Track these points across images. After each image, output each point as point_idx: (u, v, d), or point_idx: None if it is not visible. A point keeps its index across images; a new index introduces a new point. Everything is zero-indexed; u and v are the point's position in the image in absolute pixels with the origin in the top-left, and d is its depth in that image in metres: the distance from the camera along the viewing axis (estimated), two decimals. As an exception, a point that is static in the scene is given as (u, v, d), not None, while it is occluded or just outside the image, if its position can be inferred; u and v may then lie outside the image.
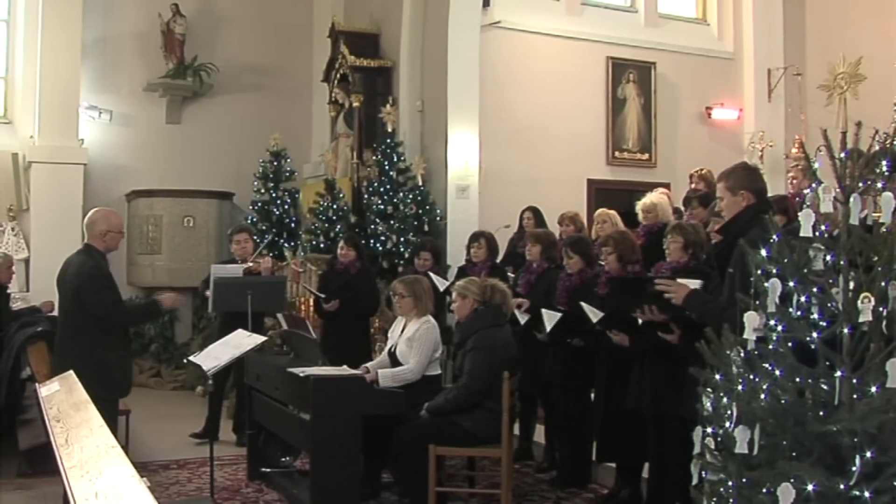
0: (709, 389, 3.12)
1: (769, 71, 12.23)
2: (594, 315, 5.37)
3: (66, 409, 3.22)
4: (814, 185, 3.01)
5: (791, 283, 2.95)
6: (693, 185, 8.27)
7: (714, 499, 3.04)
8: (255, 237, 8.29)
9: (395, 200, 9.86)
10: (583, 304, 5.49)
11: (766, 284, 3.00)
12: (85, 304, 5.29)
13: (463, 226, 9.27)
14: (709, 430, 3.11)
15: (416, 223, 9.60)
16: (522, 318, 6.15)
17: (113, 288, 5.43)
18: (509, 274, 7.30)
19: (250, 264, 7.59)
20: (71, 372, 4.13)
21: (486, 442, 5.35)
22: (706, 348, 3.14)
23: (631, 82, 11.93)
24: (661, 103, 12.05)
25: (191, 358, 5.92)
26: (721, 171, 4.28)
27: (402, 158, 10.16)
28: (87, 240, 5.47)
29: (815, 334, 2.88)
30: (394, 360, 6.03)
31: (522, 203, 8.77)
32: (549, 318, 5.84)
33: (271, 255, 9.32)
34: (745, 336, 3.03)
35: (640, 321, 4.86)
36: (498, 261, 7.60)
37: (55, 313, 6.26)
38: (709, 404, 3.12)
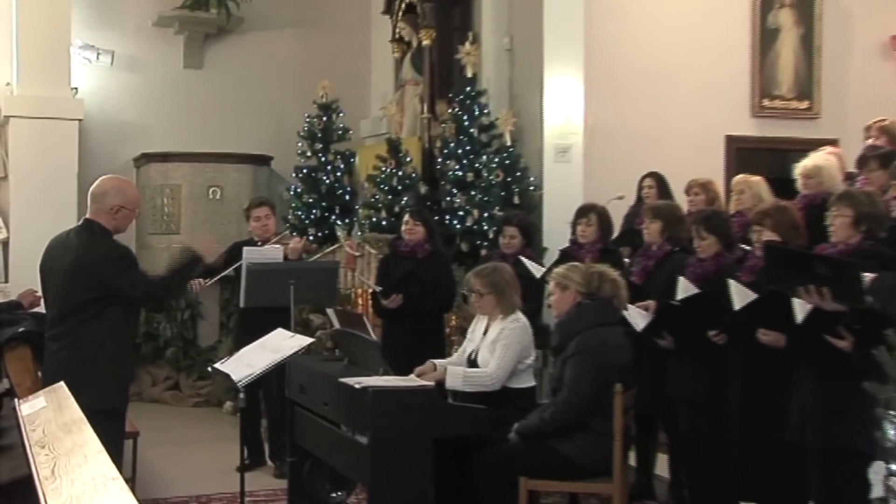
0: (892, 413, 3.07)
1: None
2: (740, 298, 5.31)
3: (54, 430, 3.27)
4: None
5: None
6: (871, 141, 8.13)
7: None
8: (300, 214, 8.34)
9: (476, 165, 9.90)
10: (731, 281, 5.43)
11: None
12: (108, 295, 5.43)
13: (563, 197, 9.29)
14: (893, 466, 3.07)
15: (503, 194, 9.63)
16: (641, 321, 6.14)
17: (135, 264, 5.62)
18: (625, 259, 7.30)
19: (275, 247, 7.70)
20: (61, 384, 4.23)
21: (592, 474, 5.38)
22: (887, 357, 3.09)
23: (786, 6, 11.73)
24: (827, 33, 11.81)
25: (217, 365, 6.02)
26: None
27: (486, 112, 10.19)
28: (91, 214, 5.58)
29: None
30: (473, 367, 6.08)
31: (641, 168, 8.74)
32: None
33: (307, 237, 9.40)
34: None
35: (798, 318, 4.81)
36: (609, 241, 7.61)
37: (41, 308, 6.24)
38: (893, 433, 3.07)
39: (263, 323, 6.43)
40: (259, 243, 7.82)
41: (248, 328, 6.83)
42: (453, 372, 5.82)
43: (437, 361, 6.23)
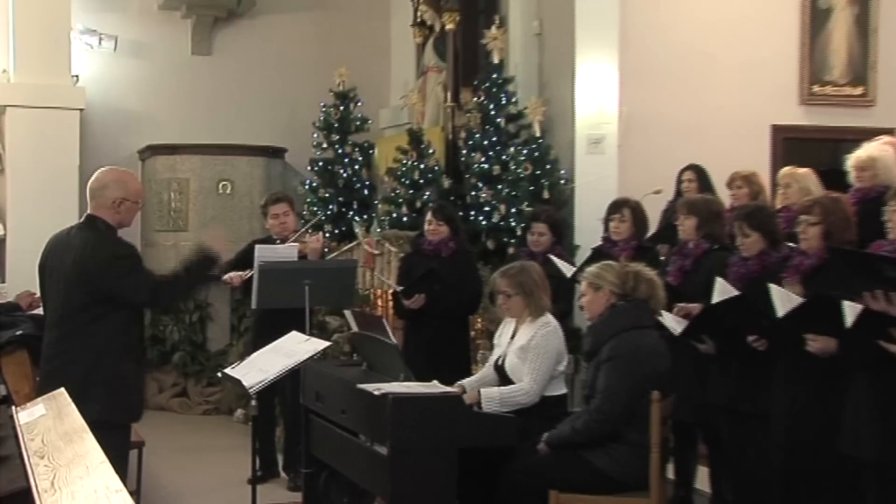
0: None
1: None
2: (783, 304, 5.30)
3: (54, 440, 3.29)
4: None
5: None
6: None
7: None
8: (315, 210, 8.35)
9: (503, 157, 9.92)
10: (772, 286, 5.42)
11: None
12: (111, 298, 5.42)
13: (596, 191, 9.29)
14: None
15: (531, 188, 9.64)
16: (678, 325, 6.13)
17: (140, 265, 5.62)
18: (661, 257, 7.30)
19: (293, 244, 7.73)
20: (61, 390, 4.26)
21: (627, 488, 5.37)
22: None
23: (839, -16, 11.68)
24: (884, 13, 11.73)
25: (227, 371, 6.06)
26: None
27: (514, 100, 10.20)
28: (93, 210, 5.60)
29: None
30: (502, 377, 6.10)
31: (680, 160, 8.73)
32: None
33: (324, 233, 9.43)
34: None
35: (848, 322, 4.79)
36: (645, 238, 7.60)
37: (41, 310, 6.24)
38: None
39: (281, 325, 6.46)
40: (278, 242, 7.85)
41: (265, 331, 6.85)
42: (488, 395, 5.84)
43: (466, 382, 6.26)
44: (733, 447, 6.14)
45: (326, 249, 8.54)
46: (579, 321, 7.92)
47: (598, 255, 7.14)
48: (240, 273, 7.61)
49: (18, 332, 6.94)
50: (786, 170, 7.42)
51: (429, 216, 7.81)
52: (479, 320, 8.57)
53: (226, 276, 7.69)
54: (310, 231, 8.48)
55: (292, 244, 7.72)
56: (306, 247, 7.75)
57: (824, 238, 5.49)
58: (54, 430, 3.45)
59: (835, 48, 11.68)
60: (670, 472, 6.52)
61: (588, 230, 8.83)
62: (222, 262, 6.11)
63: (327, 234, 10.89)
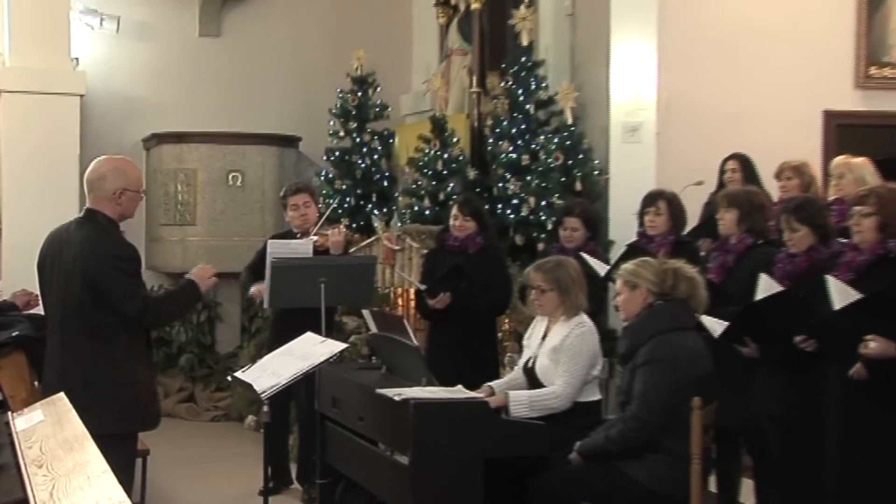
0: None
1: None
2: (841, 298, 5.25)
3: (53, 448, 3.30)
4: None
5: None
6: None
7: None
8: (329, 202, 8.36)
9: (532, 146, 9.92)
10: (830, 278, 5.38)
11: None
12: (106, 300, 5.41)
13: (632, 183, 9.26)
14: None
15: (563, 179, 9.64)
16: (718, 327, 6.09)
17: (139, 273, 5.63)
18: (702, 253, 7.28)
19: (314, 238, 7.73)
20: (61, 395, 4.26)
21: (665, 501, 5.36)
22: None
23: (899, -44, 11.62)
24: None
25: (238, 374, 6.07)
26: None
27: (544, 85, 10.20)
28: (92, 203, 5.60)
29: None
30: (531, 380, 6.11)
31: (723, 149, 8.71)
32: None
33: (345, 225, 9.45)
34: None
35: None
36: (685, 233, 7.57)
37: (38, 310, 6.29)
38: None
39: (301, 326, 6.45)
40: (298, 235, 7.85)
41: (284, 332, 6.81)
42: (517, 399, 5.84)
43: (494, 384, 6.26)
44: (780, 458, 6.10)
45: (350, 243, 8.49)
46: (614, 322, 7.91)
47: (633, 251, 7.11)
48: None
49: (15, 333, 6.88)
50: (839, 159, 7.38)
51: (455, 210, 7.81)
52: (506, 320, 8.57)
53: (252, 290, 7.74)
54: (332, 224, 8.46)
55: (306, 239, 7.70)
56: (328, 240, 7.71)
57: (879, 230, 5.43)
58: (53, 437, 3.46)
59: (895, 27, 11.61)
60: (712, 485, 6.51)
61: (623, 225, 8.80)
62: (200, 298, 6.08)
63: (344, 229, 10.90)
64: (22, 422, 3.85)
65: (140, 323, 5.49)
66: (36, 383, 6.40)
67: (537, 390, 5.95)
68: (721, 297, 6.17)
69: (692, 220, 7.91)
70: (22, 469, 3.23)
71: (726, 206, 6.65)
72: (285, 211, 8.10)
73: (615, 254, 8.05)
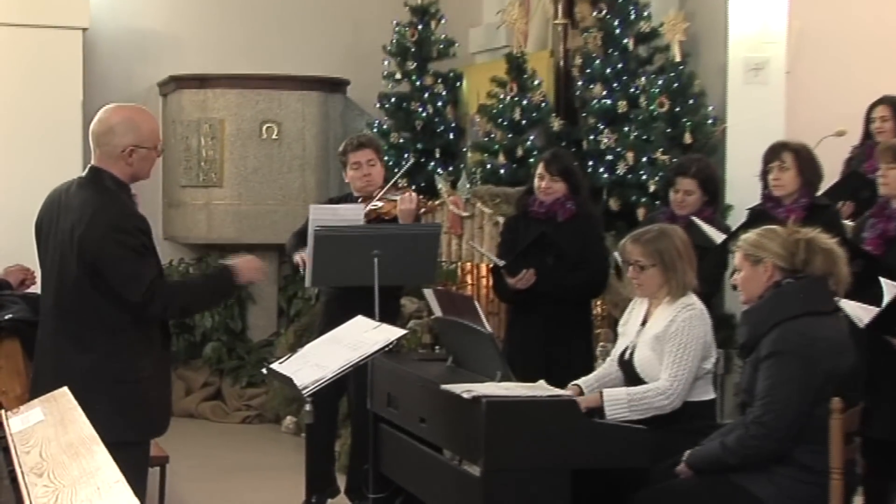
0: None
1: None
2: None
3: (56, 453, 3.33)
4: None
5: None
6: None
7: None
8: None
9: (631, 90, 9.88)
10: None
11: None
12: (105, 280, 5.43)
13: (756, 133, 9.16)
14: None
15: (668, 130, 9.58)
16: (864, 314, 6.04)
17: (152, 250, 5.60)
18: (845, 222, 7.23)
19: (377, 204, 7.75)
20: (64, 390, 4.30)
21: (797, 524, 5.36)
22: None
23: None
24: None
25: (275, 366, 6.07)
26: None
27: (646, 15, 10.14)
28: (97, 161, 5.59)
29: None
30: (629, 374, 6.11)
31: (870, 92, 8.65)
32: None
33: (414, 188, 9.46)
34: None
35: None
36: (820, 194, 7.53)
37: (37, 288, 6.32)
38: None
39: (366, 310, 6.47)
40: (359, 200, 7.86)
41: (338, 314, 6.84)
42: (613, 398, 5.82)
43: (582, 382, 6.26)
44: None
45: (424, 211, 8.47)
46: (732, 305, 7.88)
47: (756, 217, 7.06)
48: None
49: (7, 317, 6.87)
50: None
51: (540, 169, 7.77)
52: (598, 302, 8.55)
53: (296, 257, 7.75)
54: (400, 185, 8.40)
55: (359, 206, 7.65)
56: (395, 207, 7.70)
57: None
58: (56, 440, 3.48)
59: None
60: (858, 506, 6.48)
61: (744, 185, 8.72)
62: (238, 290, 6.04)
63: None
64: (17, 422, 3.87)
65: (145, 313, 5.45)
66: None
67: (638, 387, 5.92)
68: (879, 273, 6.09)
69: (830, 178, 7.85)
70: (19, 478, 3.24)
71: (890, 161, 6.57)
72: (344, 170, 8.05)
73: (734, 221, 8.00)
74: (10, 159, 10.95)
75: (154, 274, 5.51)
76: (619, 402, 5.80)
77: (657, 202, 8.86)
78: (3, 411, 4.63)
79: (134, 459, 5.28)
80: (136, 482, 5.30)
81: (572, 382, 6.24)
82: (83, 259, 5.41)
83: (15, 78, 11.08)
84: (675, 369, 5.84)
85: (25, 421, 3.88)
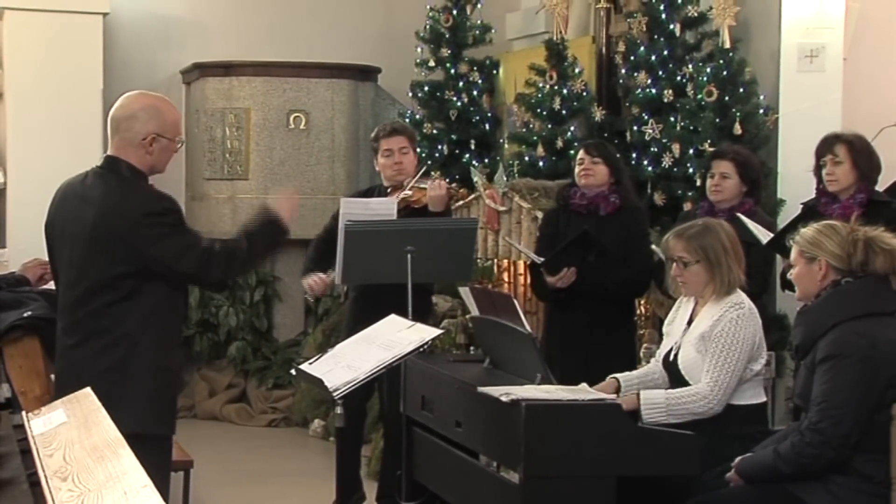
0: None
1: None
2: None
3: (80, 456, 3.33)
4: None
5: None
6: None
7: None
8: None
9: (678, 78, 9.84)
10: None
11: None
12: (151, 267, 5.47)
13: (811, 124, 9.09)
14: None
15: (718, 120, 9.53)
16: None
17: (185, 222, 5.69)
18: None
19: (407, 193, 7.75)
20: (87, 391, 4.31)
21: (856, 538, 5.31)
22: None
23: None
24: None
25: (304, 367, 6.07)
26: None
27: (694, -1, 10.11)
28: (115, 149, 5.62)
29: None
30: (674, 376, 6.07)
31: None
32: None
33: (448, 180, 9.45)
34: None
35: None
36: (879, 189, 7.48)
37: (53, 285, 6.25)
38: None
39: (398, 309, 6.45)
40: (389, 191, 7.87)
41: (368, 312, 6.82)
42: (651, 400, 5.81)
43: (621, 377, 6.24)
44: None
45: (453, 198, 8.46)
46: (784, 305, 7.81)
47: (810, 213, 7.01)
48: (321, 276, 7.71)
49: (26, 314, 6.87)
50: None
51: (581, 154, 7.80)
52: (642, 302, 8.52)
53: (306, 282, 7.79)
54: (432, 175, 8.43)
55: (391, 199, 7.66)
56: (424, 195, 7.69)
57: None
58: (80, 442, 3.49)
59: None
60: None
61: (797, 179, 8.67)
62: (287, 232, 6.05)
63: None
64: (39, 424, 3.89)
65: (206, 281, 5.66)
66: (53, 376, 6.43)
67: (677, 390, 5.92)
68: None
69: (891, 170, 7.76)
70: (43, 482, 3.24)
71: None
72: (375, 157, 8.06)
73: (786, 217, 7.93)
74: (29, 148, 10.98)
75: (201, 241, 5.64)
76: (656, 406, 5.80)
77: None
78: (23, 413, 4.65)
79: (157, 455, 5.36)
80: (161, 479, 5.38)
81: (610, 376, 6.23)
82: (108, 249, 5.46)
83: (33, 65, 11.12)
84: (716, 373, 5.83)
85: (48, 423, 3.89)
